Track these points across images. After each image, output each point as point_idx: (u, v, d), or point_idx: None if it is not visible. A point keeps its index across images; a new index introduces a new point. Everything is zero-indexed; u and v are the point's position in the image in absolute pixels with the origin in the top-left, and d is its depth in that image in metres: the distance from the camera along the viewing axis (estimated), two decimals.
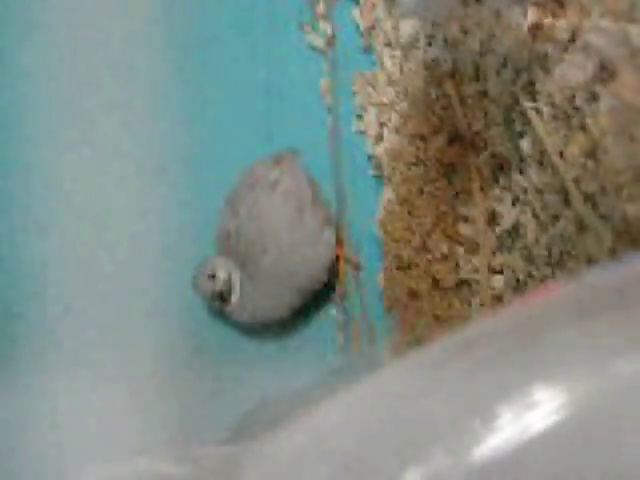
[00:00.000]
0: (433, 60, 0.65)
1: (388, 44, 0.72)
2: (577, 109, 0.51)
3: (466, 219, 0.65)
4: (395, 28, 0.71)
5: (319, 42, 0.78)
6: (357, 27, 0.76)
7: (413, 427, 0.28)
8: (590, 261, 0.51)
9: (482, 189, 0.63)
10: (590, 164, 0.50)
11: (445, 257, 0.66)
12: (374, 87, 0.74)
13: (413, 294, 0.68)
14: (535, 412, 0.27)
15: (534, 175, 0.56)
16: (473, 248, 0.65)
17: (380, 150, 0.73)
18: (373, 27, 0.74)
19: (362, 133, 0.75)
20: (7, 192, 0.79)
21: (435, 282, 0.67)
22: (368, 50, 0.75)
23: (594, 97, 0.49)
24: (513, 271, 0.61)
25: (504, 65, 0.58)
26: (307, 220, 0.71)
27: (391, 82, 0.72)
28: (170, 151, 0.77)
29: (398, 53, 0.70)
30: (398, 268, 0.69)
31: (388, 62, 0.72)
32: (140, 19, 0.78)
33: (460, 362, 0.30)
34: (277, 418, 0.32)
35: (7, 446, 0.72)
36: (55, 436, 0.72)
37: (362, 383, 0.31)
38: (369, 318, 0.73)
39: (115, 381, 0.73)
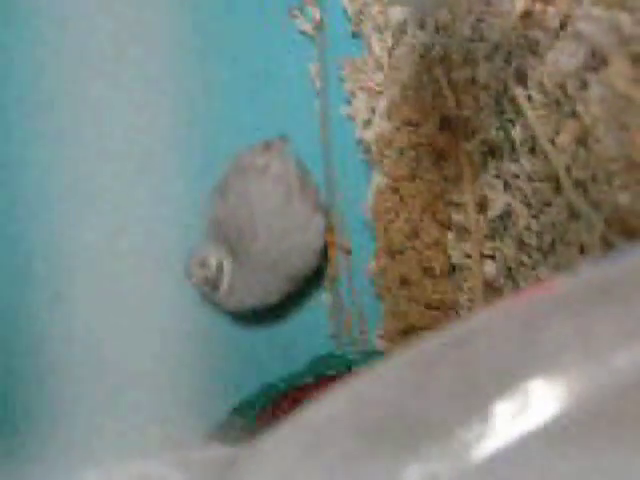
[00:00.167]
0: (423, 46, 0.65)
1: (377, 29, 0.72)
2: (568, 96, 0.51)
3: (457, 205, 0.65)
4: (383, 13, 0.71)
5: (308, 27, 0.77)
6: (345, 12, 0.75)
7: (410, 426, 0.28)
8: (581, 248, 0.51)
9: (473, 175, 0.63)
10: (581, 152, 0.50)
11: (436, 243, 0.66)
12: (363, 72, 0.73)
13: (404, 280, 0.68)
14: (533, 409, 0.27)
15: (525, 162, 0.56)
16: (464, 234, 0.65)
17: (369, 135, 0.73)
18: (361, 12, 0.74)
19: (351, 118, 0.75)
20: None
21: (426, 268, 0.67)
22: (357, 35, 0.75)
23: (585, 84, 0.49)
24: (504, 257, 0.61)
25: (494, 51, 0.58)
26: (297, 206, 0.71)
27: (380, 67, 0.71)
28: (159, 137, 0.77)
29: (387, 38, 0.70)
30: (389, 254, 0.69)
31: (377, 47, 0.71)
32: (128, 6, 0.78)
33: (456, 359, 0.30)
34: None
35: None
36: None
37: (358, 380, 0.31)
38: (360, 304, 0.73)
39: (105, 370, 0.72)
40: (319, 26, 0.77)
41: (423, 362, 0.30)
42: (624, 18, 0.46)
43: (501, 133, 0.59)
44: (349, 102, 0.75)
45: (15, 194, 0.78)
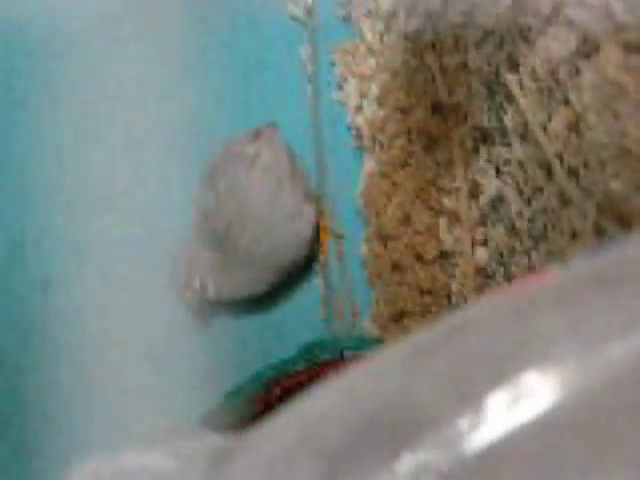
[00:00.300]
0: (414, 31, 0.65)
1: (368, 15, 0.71)
2: (560, 83, 0.51)
3: (448, 191, 0.65)
4: None
5: (298, 12, 0.77)
6: None
7: (402, 417, 0.28)
8: (573, 235, 0.51)
9: (464, 161, 0.63)
10: (573, 138, 0.50)
11: (427, 229, 0.66)
12: (354, 58, 0.73)
13: (395, 266, 0.68)
14: (527, 401, 0.27)
15: (517, 148, 0.56)
16: (455, 220, 0.65)
17: (361, 121, 0.73)
18: None
19: (342, 104, 0.75)
20: None
21: (417, 254, 0.67)
22: (348, 20, 0.74)
23: (577, 71, 0.49)
24: (496, 243, 0.61)
25: (486, 37, 0.58)
26: (286, 195, 0.70)
27: (371, 53, 0.71)
28: (147, 124, 0.76)
29: (378, 24, 0.70)
30: (380, 240, 0.69)
31: (368, 33, 0.71)
32: None
33: (448, 350, 0.30)
34: None
35: None
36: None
37: (349, 372, 0.31)
38: (351, 290, 0.73)
39: (98, 359, 0.72)
40: (310, 11, 0.77)
41: (415, 354, 0.30)
42: (616, 5, 0.46)
43: (493, 119, 0.59)
44: (340, 87, 0.75)
45: (3, 182, 0.77)
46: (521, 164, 0.56)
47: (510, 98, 0.56)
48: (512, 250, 0.59)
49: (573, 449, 0.26)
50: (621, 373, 0.27)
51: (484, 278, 0.63)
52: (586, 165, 0.49)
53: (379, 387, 0.30)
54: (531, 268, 0.56)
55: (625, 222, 0.46)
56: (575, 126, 0.49)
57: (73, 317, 0.73)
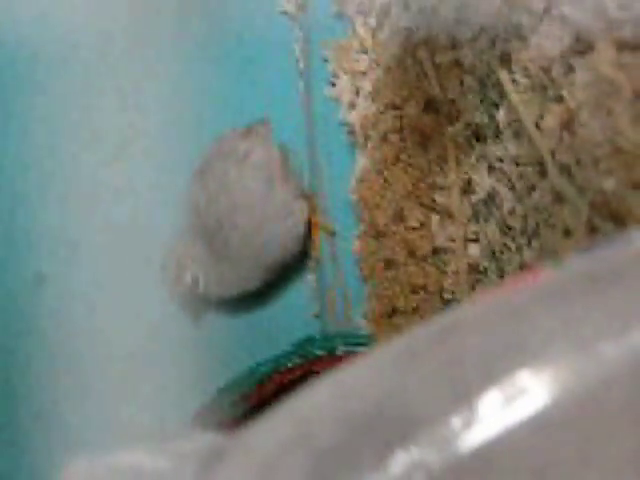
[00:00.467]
0: (407, 28, 0.65)
1: (361, 11, 0.71)
2: (553, 80, 0.51)
3: (441, 188, 0.65)
4: None
5: (291, 8, 0.77)
6: None
7: (396, 416, 0.28)
8: (566, 232, 0.51)
9: (457, 158, 0.63)
10: (566, 136, 0.50)
11: (420, 225, 0.66)
12: (347, 54, 0.73)
13: (388, 262, 0.68)
14: (521, 400, 0.27)
15: (510, 145, 0.56)
16: (448, 217, 0.65)
17: (354, 117, 0.72)
18: None
19: (335, 100, 0.74)
20: None
21: (410, 250, 0.67)
22: (341, 17, 0.74)
23: (570, 69, 0.49)
24: (488, 240, 0.61)
25: (479, 34, 0.58)
26: (278, 193, 0.70)
27: (364, 49, 0.71)
28: (139, 120, 0.76)
29: (371, 20, 0.70)
30: (373, 236, 0.69)
31: (361, 29, 0.71)
32: None
33: (442, 350, 0.30)
34: None
35: None
36: None
37: (343, 372, 0.31)
38: (344, 286, 0.73)
39: (90, 354, 0.72)
40: (303, 7, 0.76)
41: (409, 353, 0.30)
42: (610, 2, 0.46)
43: (485, 116, 0.59)
44: (333, 84, 0.75)
45: None
46: (514, 161, 0.56)
47: (503, 95, 0.56)
48: (504, 247, 0.59)
49: (566, 447, 0.26)
50: (615, 372, 0.27)
51: (476, 275, 0.63)
52: (579, 162, 0.49)
53: (372, 386, 0.30)
54: (523, 265, 0.56)
55: (618, 220, 0.46)
56: (568, 123, 0.49)
57: (64, 313, 0.73)
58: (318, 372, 0.67)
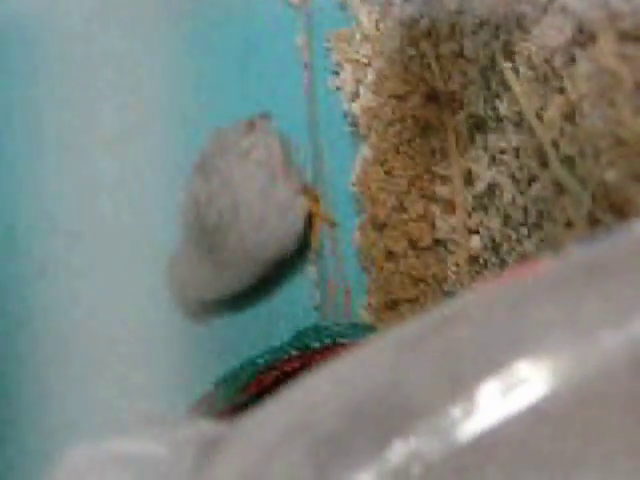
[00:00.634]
0: (410, 18, 0.65)
1: (364, 1, 0.71)
2: (555, 71, 0.51)
3: (442, 179, 0.64)
4: None
5: None
6: None
7: (394, 406, 0.28)
8: (568, 224, 0.51)
9: (459, 149, 0.63)
10: (568, 127, 0.50)
11: (421, 217, 0.66)
12: (350, 44, 0.73)
13: (389, 253, 0.68)
14: (520, 390, 0.27)
15: (511, 136, 0.56)
16: (449, 208, 0.65)
17: (356, 108, 0.72)
18: None
19: (338, 90, 0.74)
20: None
21: (411, 242, 0.67)
22: (344, 7, 0.74)
23: (572, 60, 0.49)
24: (489, 231, 0.61)
25: (482, 25, 0.57)
26: (279, 189, 0.69)
27: (367, 39, 0.71)
28: (141, 112, 0.76)
29: (374, 10, 0.70)
30: (374, 227, 0.69)
31: (364, 19, 0.71)
32: None
33: (440, 340, 0.30)
34: None
35: None
36: None
37: (341, 362, 0.31)
38: (345, 277, 0.73)
39: (90, 346, 0.72)
40: None
41: (407, 343, 0.30)
42: None
43: (488, 107, 0.59)
44: (336, 74, 0.75)
45: None
46: (516, 152, 0.56)
47: (505, 86, 0.56)
48: (506, 238, 0.58)
49: (566, 437, 0.26)
50: (615, 362, 0.27)
51: (478, 266, 0.63)
52: (581, 154, 0.49)
53: (371, 375, 0.30)
54: (525, 256, 0.56)
55: (620, 211, 0.46)
56: (570, 115, 0.49)
57: (60, 312, 0.73)
58: (318, 363, 0.68)
